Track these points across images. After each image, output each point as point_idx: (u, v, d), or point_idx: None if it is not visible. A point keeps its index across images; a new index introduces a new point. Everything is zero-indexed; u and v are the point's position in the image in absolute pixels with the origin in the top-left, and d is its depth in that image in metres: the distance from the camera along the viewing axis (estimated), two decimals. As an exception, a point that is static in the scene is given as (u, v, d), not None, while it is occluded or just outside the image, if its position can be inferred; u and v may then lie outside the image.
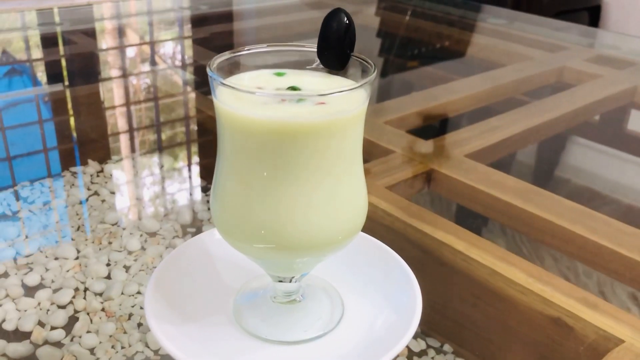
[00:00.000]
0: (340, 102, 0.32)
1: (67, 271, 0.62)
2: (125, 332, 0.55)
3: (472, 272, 0.51)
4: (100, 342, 0.54)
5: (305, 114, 0.31)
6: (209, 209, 0.74)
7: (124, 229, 0.70)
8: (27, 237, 0.67)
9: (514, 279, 0.49)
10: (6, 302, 0.58)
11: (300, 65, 0.37)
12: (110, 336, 0.54)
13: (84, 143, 0.92)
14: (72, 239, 0.67)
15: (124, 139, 0.94)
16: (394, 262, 0.43)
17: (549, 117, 0.82)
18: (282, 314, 0.39)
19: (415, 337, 0.56)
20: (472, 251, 0.52)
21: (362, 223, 0.38)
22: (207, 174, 0.81)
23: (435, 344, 0.56)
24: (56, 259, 0.64)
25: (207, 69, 0.33)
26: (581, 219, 0.57)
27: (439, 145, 0.70)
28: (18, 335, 0.54)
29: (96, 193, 0.76)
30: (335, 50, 0.35)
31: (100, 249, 0.66)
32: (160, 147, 0.93)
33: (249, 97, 0.32)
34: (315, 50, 0.36)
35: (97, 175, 0.80)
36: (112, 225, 0.70)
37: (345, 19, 0.35)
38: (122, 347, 0.54)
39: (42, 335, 0.54)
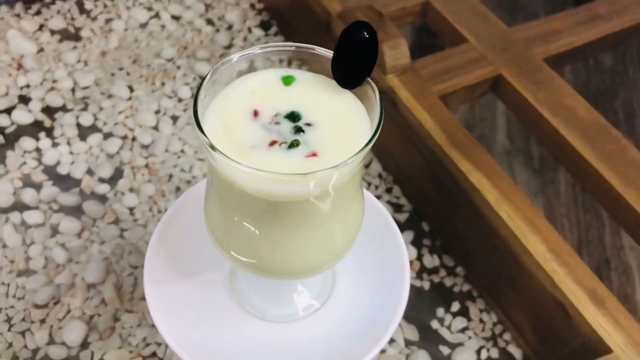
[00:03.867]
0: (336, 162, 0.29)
1: (119, 113, 0.65)
2: (163, 196, 0.59)
3: (495, 226, 0.50)
4: (139, 203, 0.58)
5: (294, 186, 0.28)
6: (266, 55, 0.72)
7: (178, 67, 0.69)
8: (86, 63, 0.69)
9: (532, 251, 0.47)
10: (62, 142, 0.62)
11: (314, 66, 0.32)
12: (150, 197, 0.59)
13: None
14: (127, 74, 0.68)
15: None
16: (392, 235, 0.43)
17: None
18: (274, 286, 0.41)
19: (432, 252, 0.58)
20: (501, 205, 0.50)
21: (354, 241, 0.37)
22: (274, 13, 0.76)
23: (449, 263, 0.57)
24: (110, 97, 0.66)
25: (194, 101, 0.29)
26: (640, 181, 0.52)
27: (519, 39, 0.61)
28: (69, 181, 0.59)
29: (157, 16, 0.74)
30: (350, 71, 0.30)
31: (152, 91, 0.67)
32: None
33: (236, 137, 0.29)
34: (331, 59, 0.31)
35: (161, -10, 0.77)
36: (168, 61, 0.70)
37: (367, 35, 0.29)
38: (159, 212, 0.58)
39: (90, 185, 0.59)
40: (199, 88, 0.30)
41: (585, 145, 0.54)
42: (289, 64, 0.34)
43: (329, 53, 0.32)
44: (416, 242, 0.58)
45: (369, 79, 0.31)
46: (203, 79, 0.30)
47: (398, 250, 0.43)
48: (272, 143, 0.30)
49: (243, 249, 0.33)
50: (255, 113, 0.31)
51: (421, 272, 0.57)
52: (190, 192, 0.43)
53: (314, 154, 0.29)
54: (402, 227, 0.59)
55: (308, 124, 0.31)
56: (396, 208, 0.60)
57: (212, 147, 0.28)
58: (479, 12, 0.64)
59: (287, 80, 0.33)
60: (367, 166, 0.63)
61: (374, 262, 0.44)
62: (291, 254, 0.32)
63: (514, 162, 0.74)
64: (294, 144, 0.30)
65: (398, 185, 0.62)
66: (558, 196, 0.71)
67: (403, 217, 0.60)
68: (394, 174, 0.62)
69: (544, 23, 0.64)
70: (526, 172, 0.73)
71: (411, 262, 0.57)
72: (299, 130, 0.30)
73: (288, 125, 0.31)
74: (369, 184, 0.62)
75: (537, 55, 0.60)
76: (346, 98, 0.32)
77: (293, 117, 0.31)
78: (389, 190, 0.62)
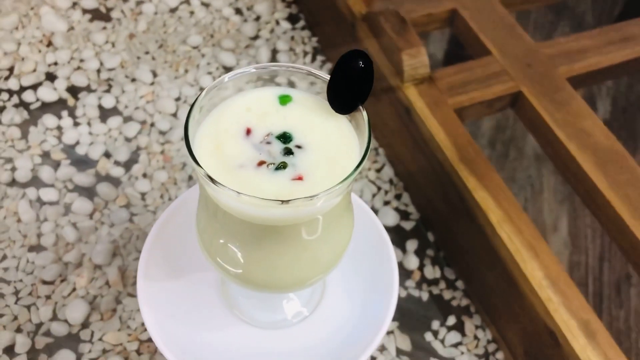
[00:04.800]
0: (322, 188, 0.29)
1: (141, 97, 0.66)
2: (175, 184, 0.60)
3: (495, 247, 0.50)
4: (151, 189, 0.60)
5: (275, 210, 0.29)
6: (290, 49, 0.72)
7: (203, 55, 0.70)
8: (113, 45, 0.70)
9: (529, 277, 0.47)
10: (83, 122, 0.64)
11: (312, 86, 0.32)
12: (162, 184, 0.60)
13: None
14: (153, 58, 0.69)
15: None
16: (384, 247, 0.43)
17: None
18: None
19: (434, 263, 0.58)
20: (503, 226, 0.49)
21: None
22: (303, 7, 0.76)
23: (450, 276, 0.57)
24: (133, 80, 0.67)
25: (186, 118, 0.30)
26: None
27: (544, 55, 0.60)
28: (87, 161, 0.61)
29: (187, 1, 0.75)
30: (343, 97, 0.31)
31: (175, 78, 0.68)
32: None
33: (225, 154, 0.30)
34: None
35: (194, -24, 0.78)
36: (193, 48, 0.71)
37: (362, 64, 0.29)
38: (169, 199, 0.60)
39: (105, 167, 0.61)
40: (192, 106, 0.31)
41: (597, 172, 0.53)
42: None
43: (325, 76, 0.32)
44: (419, 252, 0.58)
45: (361, 107, 0.31)
46: (197, 97, 0.31)
47: (388, 262, 0.44)
48: (261, 163, 0.30)
49: (227, 261, 0.34)
50: (248, 131, 0.32)
51: (421, 282, 0.57)
52: (191, 191, 0.44)
53: (300, 178, 0.30)
54: (408, 235, 0.59)
55: (298, 146, 0.31)
56: (403, 215, 0.60)
57: (197, 163, 0.29)
58: (506, 24, 0.63)
59: (284, 100, 0.33)
60: (379, 170, 0.63)
61: (365, 272, 0.44)
62: (275, 270, 0.33)
63: (543, 167, 0.73)
64: (281, 166, 0.30)
65: (408, 192, 0.62)
66: (584, 206, 0.69)
67: (409, 225, 0.60)
68: (404, 180, 0.62)
69: (572, 40, 0.62)
70: (555, 177, 0.72)
71: (412, 272, 0.57)
72: (288, 152, 0.31)
73: (279, 146, 0.31)
74: (379, 188, 0.62)
75: (561, 74, 0.59)
76: (340, 123, 0.32)
77: (285, 138, 0.31)
78: (398, 197, 0.62)
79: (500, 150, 0.76)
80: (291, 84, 0.33)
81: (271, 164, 0.30)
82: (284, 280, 0.34)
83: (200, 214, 0.35)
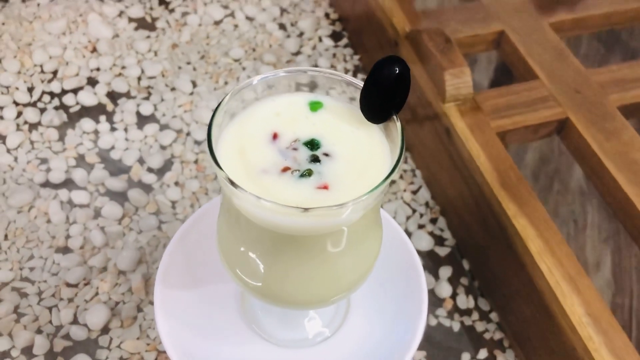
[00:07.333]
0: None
1: (179, 107, 0.66)
2: (206, 194, 0.60)
3: (534, 279, 0.47)
4: (182, 197, 0.59)
5: (296, 219, 0.27)
6: (331, 66, 0.71)
7: (244, 68, 0.70)
8: (155, 54, 0.70)
9: (569, 312, 0.44)
10: (120, 127, 0.64)
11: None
12: (193, 193, 0.59)
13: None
14: (194, 69, 0.69)
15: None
16: (413, 269, 0.41)
17: None
18: (285, 309, 0.40)
19: (468, 292, 0.55)
20: (543, 257, 0.47)
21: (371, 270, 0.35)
22: (347, 25, 0.75)
23: (484, 307, 0.54)
24: (173, 89, 0.67)
25: (211, 118, 0.29)
26: None
27: (594, 82, 0.57)
28: (120, 166, 0.61)
29: (232, 15, 0.75)
30: (377, 106, 0.29)
31: (215, 89, 0.67)
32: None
33: (249, 158, 0.28)
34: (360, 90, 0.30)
35: (240, -10, 0.78)
36: (234, 61, 0.70)
37: (398, 71, 0.28)
38: (199, 208, 0.59)
39: (138, 173, 0.60)
40: (217, 107, 0.29)
41: (650, 208, 0.50)
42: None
43: (359, 82, 0.31)
44: (453, 280, 0.56)
45: (395, 116, 0.30)
46: (224, 98, 0.30)
47: (418, 287, 0.41)
48: (285, 169, 0.29)
49: (246, 272, 0.32)
50: (275, 136, 0.30)
51: (453, 311, 0.54)
52: (216, 200, 0.43)
53: (325, 187, 0.28)
54: (442, 261, 0.57)
55: (326, 154, 0.30)
56: (438, 241, 0.58)
57: (218, 164, 0.27)
58: (555, 49, 0.60)
59: (314, 106, 0.31)
60: (415, 192, 0.61)
61: (392, 296, 0.42)
62: (296, 284, 0.31)
63: (587, 203, 0.69)
64: (306, 174, 0.29)
65: (444, 217, 0.59)
66: (630, 245, 0.66)
67: (444, 251, 0.57)
68: (441, 204, 0.60)
69: (626, 68, 0.59)
70: (599, 215, 0.68)
71: (444, 300, 0.55)
72: (315, 159, 0.29)
73: (305, 153, 0.30)
74: (414, 211, 0.60)
75: (612, 102, 0.56)
76: (371, 132, 0.31)
77: (312, 144, 0.30)
78: (433, 221, 0.59)
79: (543, 183, 0.73)
80: (323, 90, 0.32)
81: (296, 170, 0.29)
82: (305, 296, 0.32)
83: (221, 220, 0.34)
